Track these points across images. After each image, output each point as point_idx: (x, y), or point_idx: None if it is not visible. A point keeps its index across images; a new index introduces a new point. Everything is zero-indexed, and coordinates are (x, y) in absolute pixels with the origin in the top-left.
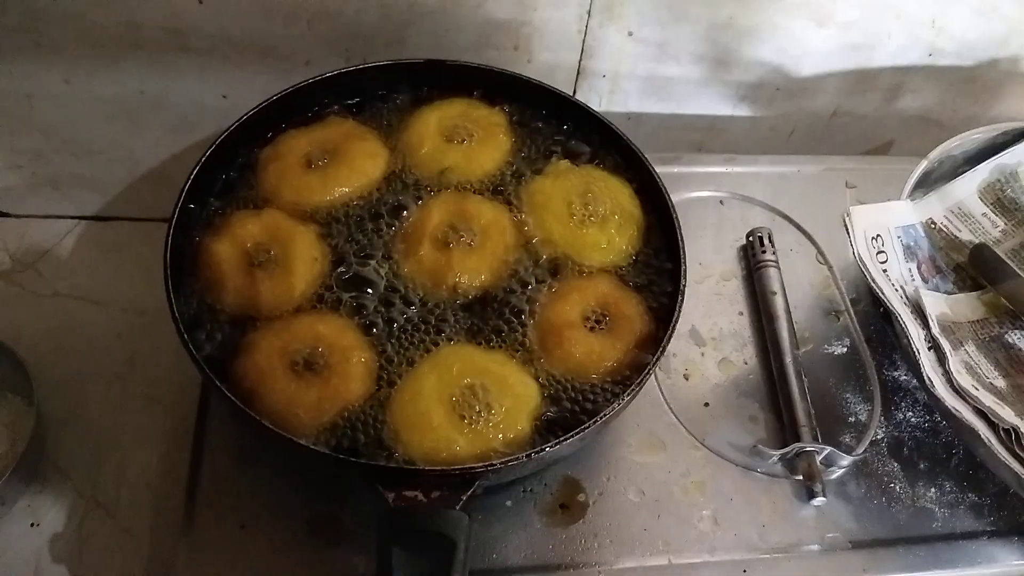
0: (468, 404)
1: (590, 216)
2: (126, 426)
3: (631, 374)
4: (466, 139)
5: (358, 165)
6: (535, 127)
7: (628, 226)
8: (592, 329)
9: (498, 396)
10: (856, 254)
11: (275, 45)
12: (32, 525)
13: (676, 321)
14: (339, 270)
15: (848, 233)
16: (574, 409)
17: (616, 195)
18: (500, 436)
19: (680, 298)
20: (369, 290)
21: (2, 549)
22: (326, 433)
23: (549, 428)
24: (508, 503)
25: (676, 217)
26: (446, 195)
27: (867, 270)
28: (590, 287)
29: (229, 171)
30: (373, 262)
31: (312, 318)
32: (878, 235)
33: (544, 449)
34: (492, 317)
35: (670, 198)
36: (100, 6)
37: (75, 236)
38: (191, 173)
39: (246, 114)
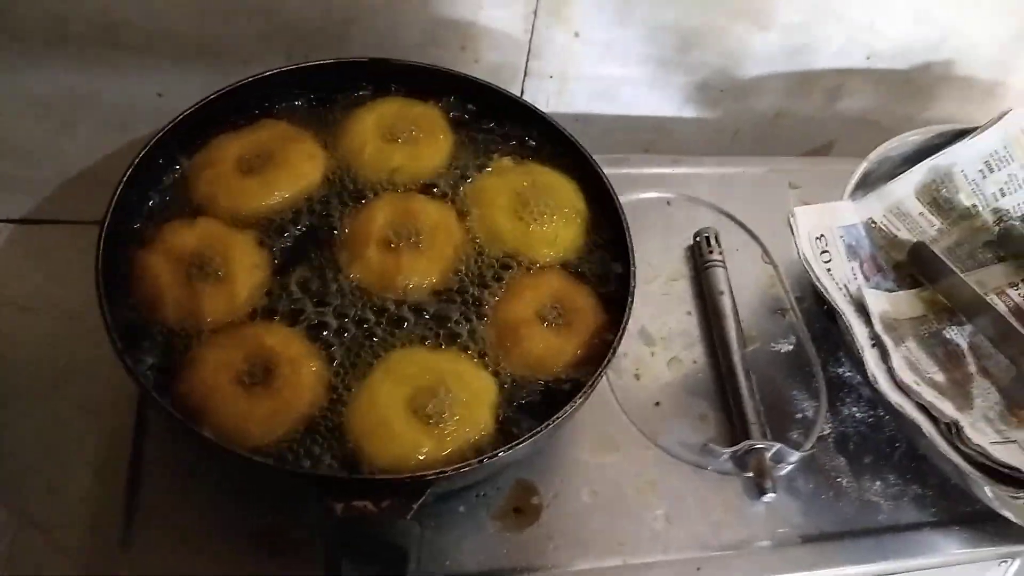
0: (427, 406)
1: (536, 212)
2: (60, 439)
3: (591, 367)
4: (407, 138)
5: (296, 168)
6: (478, 126)
7: (575, 221)
8: (548, 325)
9: (456, 393)
10: (800, 254)
11: (213, 42)
12: None
13: (626, 323)
14: (281, 277)
15: (792, 233)
16: (539, 403)
17: (561, 190)
18: (466, 434)
19: (630, 300)
20: (315, 297)
21: None
22: (281, 448)
23: (514, 423)
24: (461, 508)
25: (625, 220)
26: (389, 196)
27: (812, 269)
28: (542, 283)
29: (161, 178)
30: (317, 268)
31: (257, 329)
32: (821, 235)
33: (496, 455)
34: (445, 319)
35: (619, 201)
36: None
37: (3, 239)
38: (123, 176)
39: (182, 114)
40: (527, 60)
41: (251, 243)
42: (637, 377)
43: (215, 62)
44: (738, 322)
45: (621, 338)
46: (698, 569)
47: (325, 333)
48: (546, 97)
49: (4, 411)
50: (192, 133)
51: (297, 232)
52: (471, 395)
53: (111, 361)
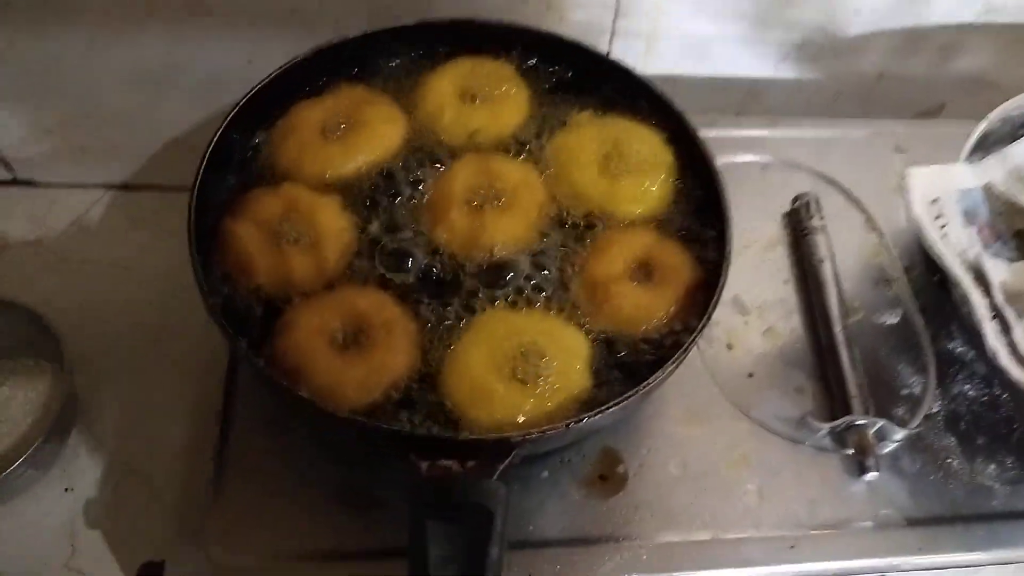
0: (523, 366)
1: (620, 167)
2: (157, 393)
3: (683, 327)
4: (484, 96)
5: (378, 131)
6: (555, 82)
7: (662, 174)
8: (638, 282)
9: (550, 352)
10: (913, 217)
11: (300, 7)
12: (66, 490)
13: (722, 287)
14: (369, 241)
15: (905, 196)
16: (633, 362)
17: (645, 143)
18: (563, 392)
19: (725, 263)
20: (402, 259)
21: (39, 514)
22: (376, 410)
23: (608, 382)
24: (544, 474)
25: (720, 179)
26: (470, 157)
27: (926, 235)
28: (630, 239)
29: (248, 144)
30: (403, 230)
31: (350, 292)
32: (936, 198)
33: (583, 419)
34: (532, 278)
35: (713, 159)
36: None
37: (103, 205)
38: (211, 141)
39: (267, 77)
40: (614, 19)
41: (336, 207)
42: (729, 347)
43: (302, 28)
44: (840, 292)
45: (716, 304)
46: (792, 547)
47: (413, 296)
48: (633, 57)
49: (106, 365)
50: (277, 98)
51: (380, 195)
52: (564, 353)
53: (203, 321)
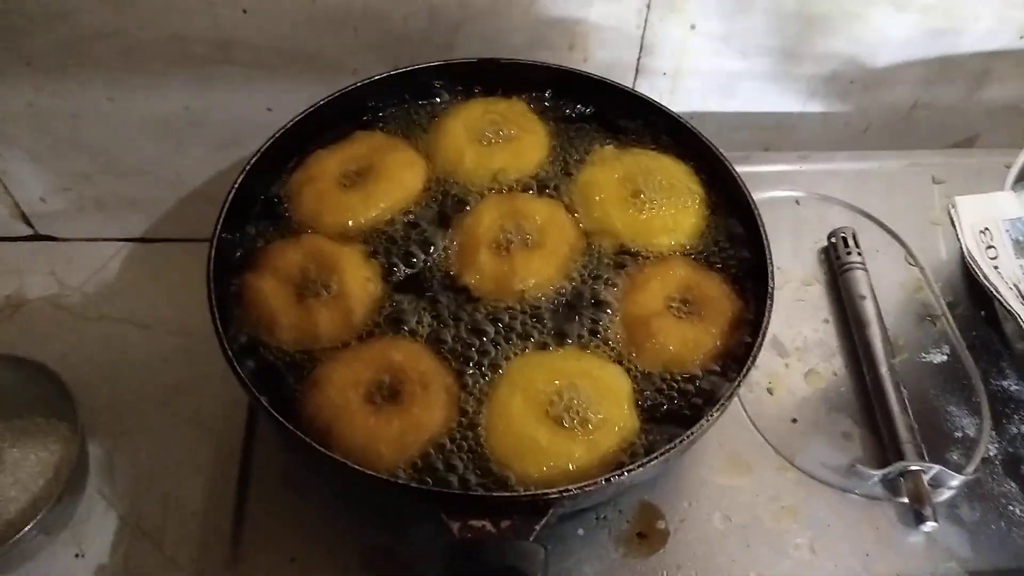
0: (566, 411)
1: (649, 199)
2: (172, 453)
3: (725, 365)
4: (503, 136)
5: (397, 178)
6: (573, 118)
7: (692, 204)
8: (680, 316)
9: (594, 394)
10: (965, 249)
11: (321, 53)
12: (76, 556)
13: (765, 329)
14: (394, 290)
15: (954, 226)
16: (680, 403)
17: (672, 174)
18: (612, 435)
19: (769, 303)
20: (430, 307)
21: None
22: (414, 469)
23: (656, 423)
24: (580, 532)
25: (756, 209)
26: (493, 198)
27: (977, 267)
28: (666, 272)
29: (267, 193)
30: (430, 276)
31: (382, 344)
32: (986, 228)
33: (623, 473)
34: (567, 319)
35: (747, 189)
36: (144, 21)
37: (121, 258)
38: (231, 190)
39: (290, 121)
40: (639, 57)
41: (359, 257)
42: (770, 391)
43: (323, 74)
44: (884, 330)
45: (760, 347)
46: None
47: (445, 344)
48: (659, 95)
49: (119, 424)
50: (295, 147)
51: (404, 242)
52: (608, 393)
53: (221, 378)
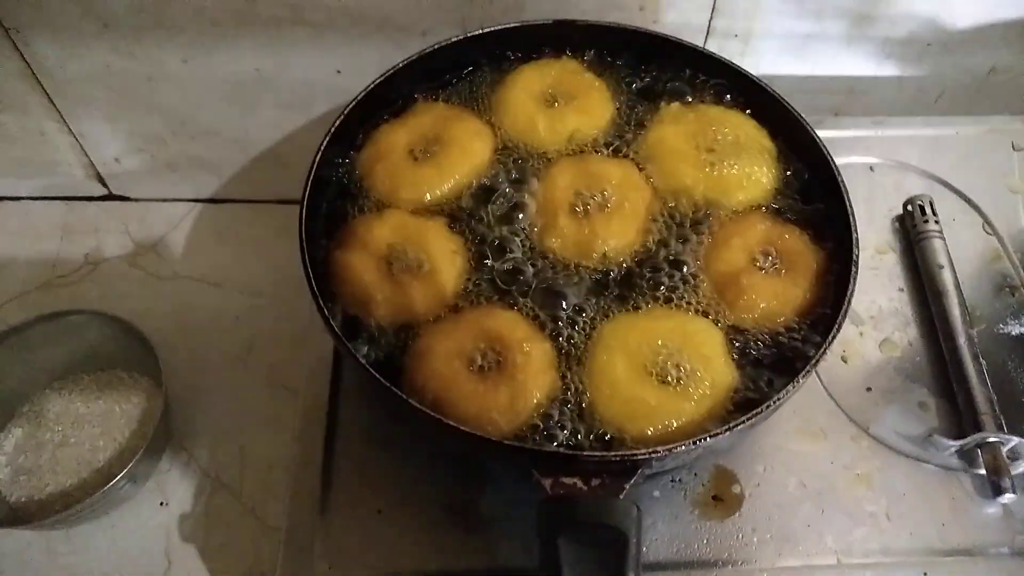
0: (668, 369)
1: (721, 155)
2: (248, 409)
3: (819, 311)
4: (568, 98)
5: (468, 147)
6: (635, 76)
7: (764, 158)
8: (766, 271)
9: (691, 349)
10: None
11: (391, 15)
12: (161, 504)
13: (850, 297)
14: (480, 259)
15: None
16: (776, 354)
17: (743, 129)
18: (715, 389)
19: (854, 270)
20: (518, 275)
21: (134, 526)
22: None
23: (754, 377)
24: (656, 493)
25: (844, 187)
26: (566, 160)
27: None
28: (747, 228)
29: (340, 165)
30: (513, 245)
31: (476, 314)
32: None
33: (709, 437)
34: (652, 279)
35: (835, 163)
36: None
37: (192, 218)
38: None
39: (373, 82)
40: (710, 18)
41: (443, 230)
42: (844, 360)
43: (392, 36)
44: (962, 299)
45: (841, 324)
46: (924, 574)
47: (534, 310)
48: (729, 57)
49: (197, 380)
50: (361, 119)
51: (482, 211)
52: (704, 347)
53: (292, 334)
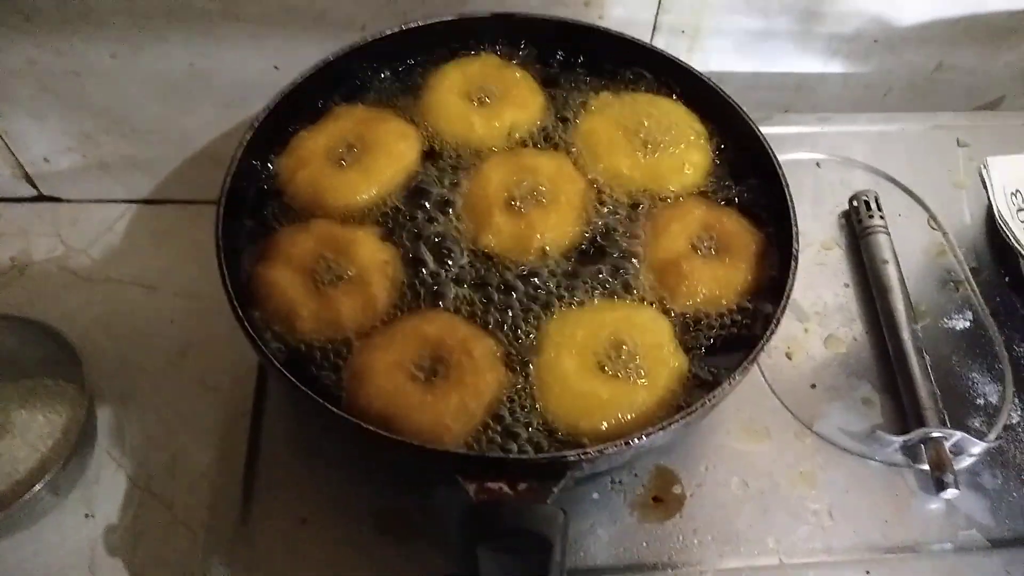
0: (618, 361)
1: (653, 141)
2: (180, 415)
3: (762, 302)
4: (494, 94)
5: (393, 149)
6: (568, 70)
7: (698, 143)
8: (706, 255)
9: (639, 339)
10: (996, 210)
11: (328, 9)
12: (86, 516)
13: (789, 292)
14: (414, 264)
15: (985, 187)
16: (720, 338)
17: (672, 113)
18: (667, 376)
19: (793, 264)
20: (456, 278)
21: (57, 540)
22: (478, 439)
23: (704, 364)
24: (595, 495)
25: (787, 186)
26: (498, 156)
27: (1008, 228)
28: (684, 213)
29: (264, 172)
30: (447, 247)
31: (413, 321)
32: (1017, 190)
33: (643, 437)
34: (594, 271)
35: (778, 161)
36: None
37: (126, 220)
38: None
39: (303, 76)
40: (657, 14)
41: (373, 238)
42: (788, 356)
43: (330, 32)
44: (906, 295)
45: (783, 312)
46: (867, 573)
47: (474, 311)
48: (676, 54)
49: (127, 386)
50: (306, 105)
51: (413, 214)
52: (651, 337)
53: (228, 338)
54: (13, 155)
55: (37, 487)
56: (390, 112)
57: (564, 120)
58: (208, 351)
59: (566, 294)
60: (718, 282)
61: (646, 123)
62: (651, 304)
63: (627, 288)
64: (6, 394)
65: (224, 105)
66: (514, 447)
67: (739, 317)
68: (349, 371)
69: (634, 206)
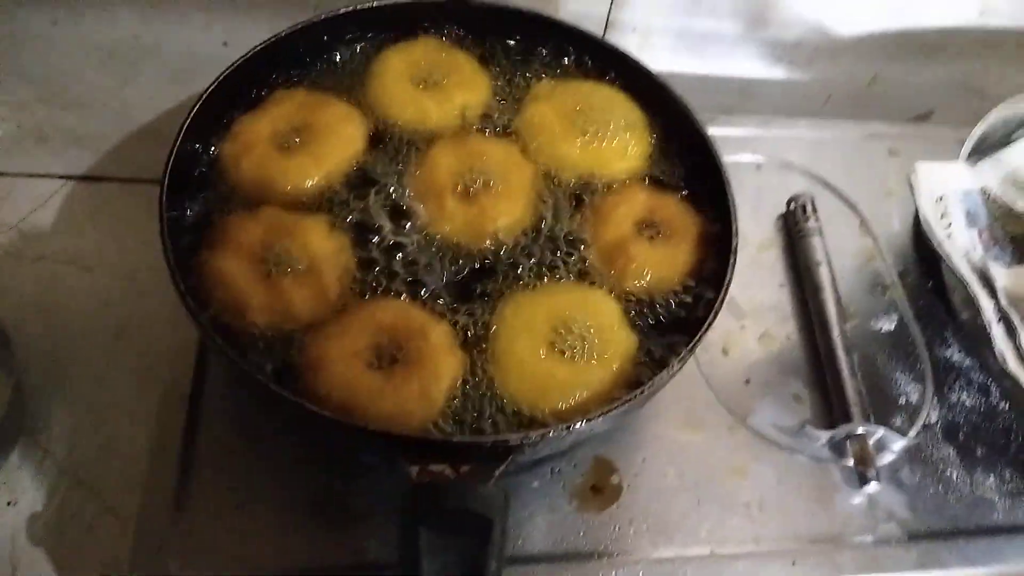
0: (569, 341)
1: (597, 127)
2: (114, 399)
3: (705, 273)
4: (443, 77)
5: (341, 132)
6: (503, 54)
7: (635, 129)
8: (651, 237)
9: (591, 320)
10: (921, 215)
11: None
12: (8, 504)
13: (726, 288)
14: (364, 251)
15: (912, 192)
16: (667, 317)
17: (614, 101)
18: (617, 357)
19: (732, 260)
20: (408, 264)
21: None
22: (439, 424)
23: (651, 343)
24: (535, 484)
25: (729, 188)
26: (446, 141)
27: (933, 234)
28: (628, 197)
29: (203, 158)
30: (399, 233)
31: (366, 309)
32: (942, 197)
33: (584, 422)
34: (543, 255)
35: (721, 161)
36: None
37: (62, 196)
38: (181, 129)
39: (251, 50)
40: (610, 10)
41: (323, 225)
42: (725, 352)
43: (282, 8)
44: (837, 296)
45: (719, 309)
46: (793, 563)
47: (427, 296)
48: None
49: (59, 369)
50: (251, 85)
51: (362, 200)
52: (602, 317)
53: (166, 320)
54: None
55: None
56: (332, 95)
57: (506, 105)
58: (145, 334)
59: (518, 278)
60: (663, 263)
61: (586, 110)
62: (600, 286)
63: (576, 271)
64: None
65: (170, 80)
66: (473, 430)
67: (685, 298)
68: (304, 361)
69: (579, 191)
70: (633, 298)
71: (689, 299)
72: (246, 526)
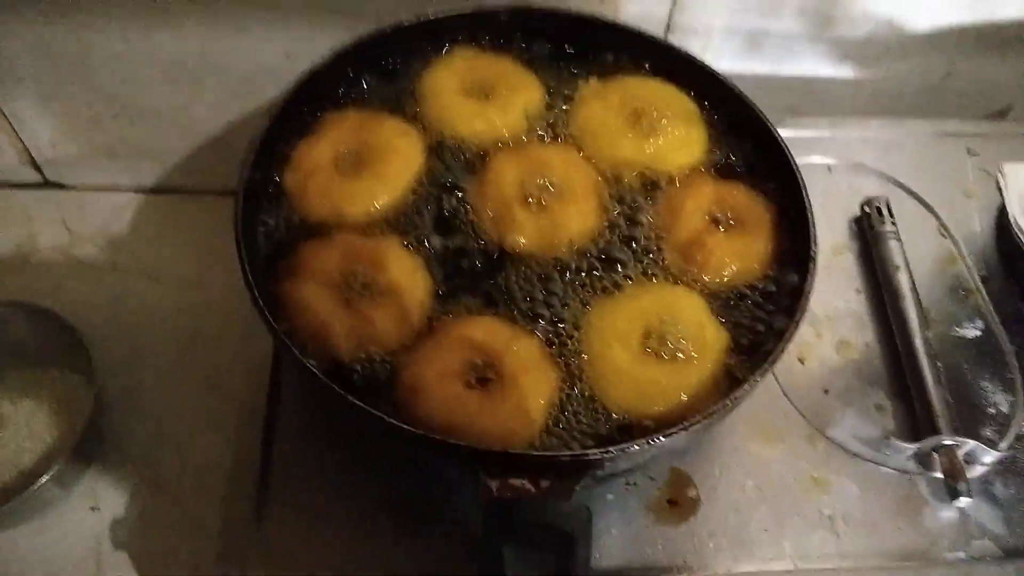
0: (664, 344)
1: (651, 122)
2: (187, 407)
3: (786, 260)
4: (496, 85)
5: (401, 149)
6: (557, 59)
7: (691, 120)
8: (725, 228)
9: (676, 319)
10: (1011, 217)
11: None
12: (92, 509)
13: (808, 296)
14: (443, 271)
15: (1001, 194)
16: (758, 305)
17: (662, 92)
18: (715, 352)
19: (812, 266)
20: (485, 279)
21: (62, 533)
22: (546, 438)
23: (742, 335)
24: (609, 496)
25: (803, 184)
26: (505, 152)
27: (1022, 235)
28: (696, 190)
29: (268, 188)
30: (473, 248)
31: (456, 328)
32: None
33: (663, 437)
34: (623, 258)
35: (796, 163)
36: None
37: (133, 209)
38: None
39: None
40: (671, 12)
41: (398, 246)
42: (802, 361)
43: (344, 21)
44: (918, 301)
45: (805, 309)
46: None
47: (513, 311)
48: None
49: (134, 377)
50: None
51: (432, 217)
52: (690, 315)
53: (237, 331)
54: (19, 139)
55: (43, 478)
56: (385, 113)
57: (558, 110)
58: (216, 344)
59: (599, 284)
60: (741, 253)
61: (639, 106)
62: (683, 284)
63: (656, 270)
64: (12, 382)
65: (235, 93)
66: (578, 443)
67: (768, 286)
68: (401, 386)
69: (644, 188)
70: (717, 293)
71: (773, 287)
72: (325, 536)
